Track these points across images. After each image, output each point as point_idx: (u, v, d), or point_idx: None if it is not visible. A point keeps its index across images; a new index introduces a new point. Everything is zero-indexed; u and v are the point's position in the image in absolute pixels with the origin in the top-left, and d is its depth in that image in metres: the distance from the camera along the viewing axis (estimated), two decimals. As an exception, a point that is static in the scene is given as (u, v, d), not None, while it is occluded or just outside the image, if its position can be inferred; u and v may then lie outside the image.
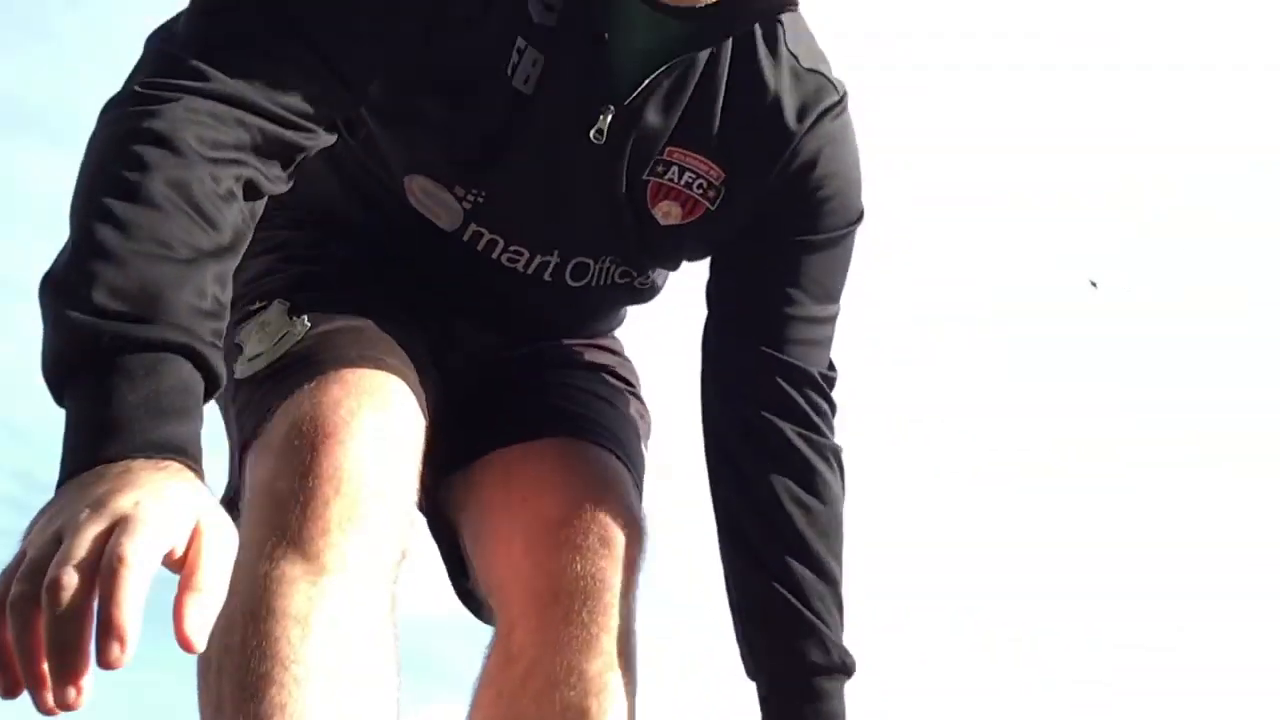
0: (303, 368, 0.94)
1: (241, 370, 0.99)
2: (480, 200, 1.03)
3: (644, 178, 1.03)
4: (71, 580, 0.60)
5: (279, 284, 1.03)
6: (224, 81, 0.81)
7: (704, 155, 1.03)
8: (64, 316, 0.71)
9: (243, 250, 0.80)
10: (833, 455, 1.10)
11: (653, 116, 0.99)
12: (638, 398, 1.25)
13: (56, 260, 0.75)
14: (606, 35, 0.95)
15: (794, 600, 1.05)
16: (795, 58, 1.03)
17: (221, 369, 0.75)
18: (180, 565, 0.64)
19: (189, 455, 0.69)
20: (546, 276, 1.09)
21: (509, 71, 0.95)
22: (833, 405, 1.11)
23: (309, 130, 0.87)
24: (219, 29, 0.84)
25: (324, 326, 0.98)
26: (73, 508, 0.63)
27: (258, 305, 1.02)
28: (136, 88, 0.80)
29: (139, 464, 0.66)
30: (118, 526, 0.61)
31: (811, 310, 1.09)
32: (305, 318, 0.99)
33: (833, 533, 1.08)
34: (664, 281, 1.21)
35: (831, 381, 1.11)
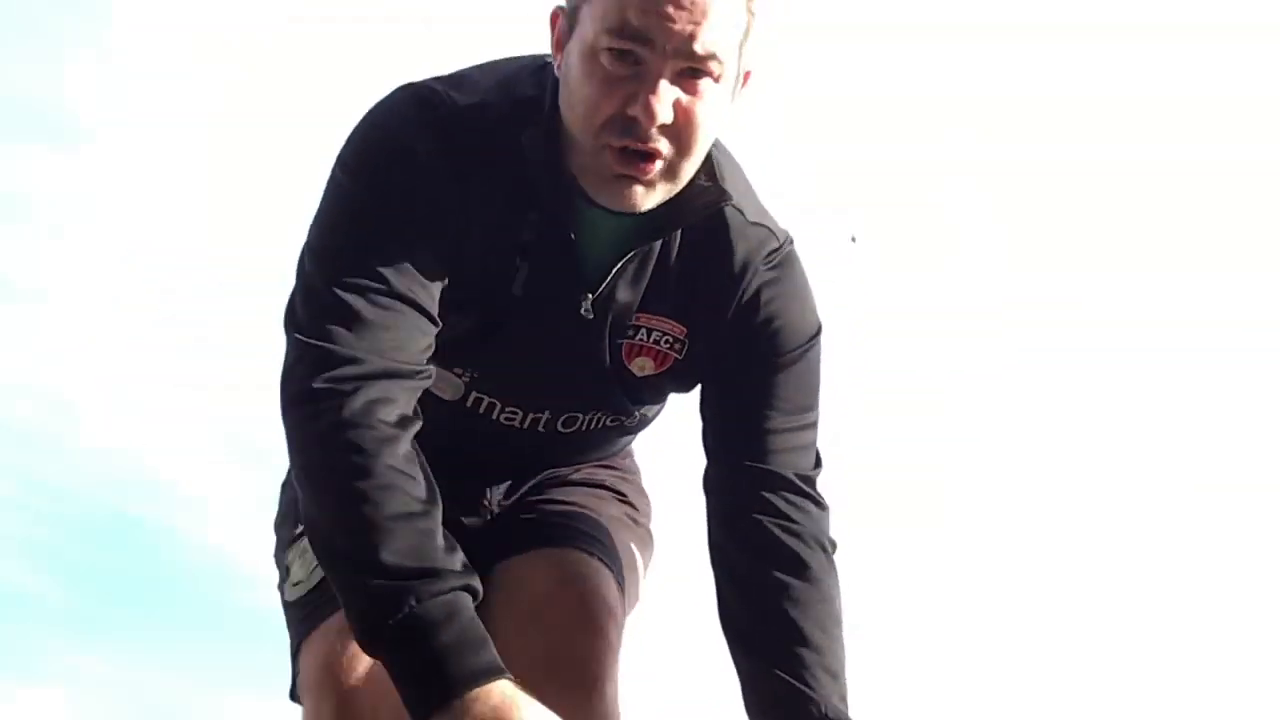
0: (328, 603, 1.15)
1: (289, 594, 1.28)
2: (476, 376, 1.24)
3: (618, 341, 1.22)
4: None
5: None
6: (374, 363, 1.05)
7: (666, 316, 1.23)
8: (364, 585, 0.96)
9: None
10: (815, 542, 1.23)
11: (622, 294, 1.20)
12: (626, 501, 1.46)
13: (318, 531, 1.03)
14: (573, 236, 1.16)
15: (784, 675, 1.17)
16: (741, 213, 1.22)
17: (478, 586, 0.99)
18: None
19: (503, 670, 0.95)
20: (540, 429, 1.29)
21: (509, 284, 1.18)
22: (817, 500, 1.26)
23: (428, 370, 1.11)
24: (343, 316, 1.07)
25: None
26: None
27: (299, 531, 1.25)
28: (316, 385, 1.04)
29: (478, 692, 0.92)
30: None
31: (785, 423, 1.25)
32: None
33: (820, 610, 1.21)
34: (655, 414, 1.38)
35: (812, 480, 1.26)
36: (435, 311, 1.13)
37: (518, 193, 1.17)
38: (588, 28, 1.10)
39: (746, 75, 1.16)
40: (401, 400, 1.06)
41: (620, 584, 1.35)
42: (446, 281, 1.15)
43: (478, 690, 0.93)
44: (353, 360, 1.05)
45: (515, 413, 1.28)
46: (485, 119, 1.16)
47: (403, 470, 1.01)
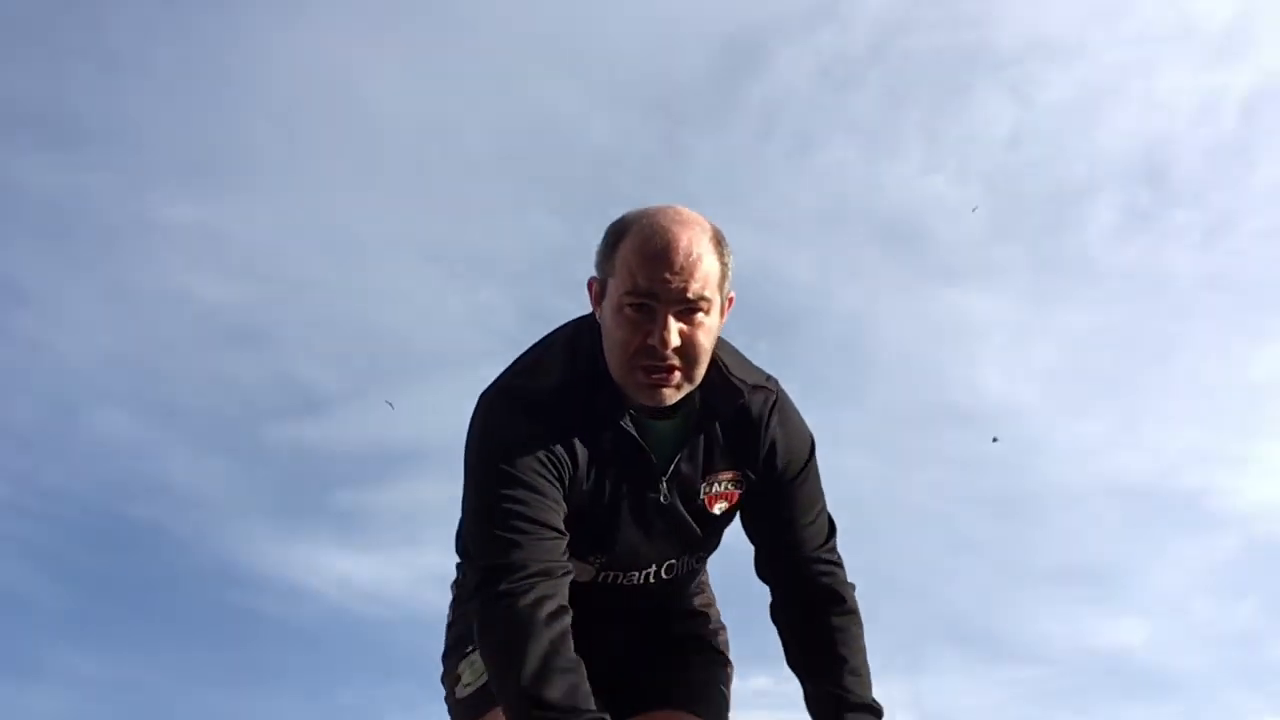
0: (491, 700, 1.66)
1: (460, 693, 1.79)
2: (603, 560, 1.78)
3: (700, 498, 1.78)
4: None
5: None
6: (534, 567, 1.59)
7: (724, 469, 1.78)
8: (529, 714, 1.51)
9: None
10: (841, 585, 1.84)
11: (685, 469, 1.76)
12: (716, 649, 2.01)
13: (504, 685, 1.56)
14: (646, 448, 1.73)
15: (831, 686, 1.78)
16: (745, 383, 1.76)
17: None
18: None
19: None
20: (651, 580, 1.83)
21: (604, 492, 1.73)
22: (837, 562, 1.86)
23: (569, 566, 1.65)
24: (506, 544, 1.61)
25: None
26: None
27: (470, 649, 1.78)
28: (500, 589, 1.58)
29: None
30: None
31: (809, 517, 1.83)
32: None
33: (850, 635, 1.80)
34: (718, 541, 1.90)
35: (833, 548, 1.85)
36: (562, 528, 1.66)
37: (587, 420, 1.71)
38: (614, 292, 1.64)
39: (730, 300, 1.70)
40: (558, 594, 1.60)
41: None
42: (565, 505, 1.68)
43: None
44: (521, 567, 1.59)
45: (633, 575, 1.81)
46: (557, 392, 1.70)
47: (562, 642, 1.55)
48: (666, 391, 1.66)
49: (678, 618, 2.00)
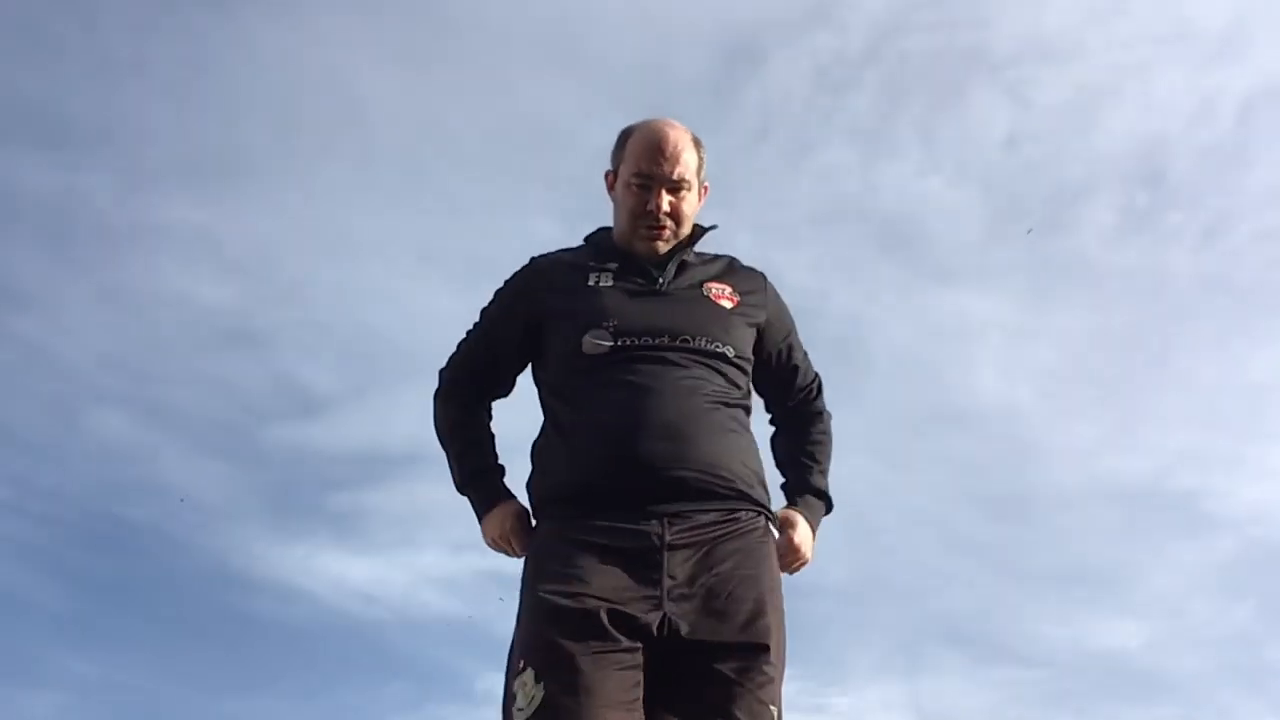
0: None
1: (516, 717, 1.87)
2: (614, 324, 2.13)
3: (703, 290, 2.23)
4: None
5: (530, 649, 1.92)
6: (459, 368, 2.34)
7: (718, 282, 2.26)
8: (450, 463, 2.29)
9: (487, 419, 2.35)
10: (818, 401, 2.39)
11: (681, 275, 2.25)
12: (771, 665, 1.99)
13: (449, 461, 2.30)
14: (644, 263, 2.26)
15: (800, 455, 2.34)
16: (714, 227, 2.34)
17: (496, 466, 2.29)
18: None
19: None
20: (669, 346, 2.12)
21: (617, 289, 2.21)
22: (819, 384, 2.41)
23: (502, 368, 2.30)
24: (461, 349, 2.34)
25: (550, 690, 1.86)
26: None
27: (522, 665, 1.90)
28: (441, 386, 2.35)
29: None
30: None
31: (799, 349, 2.38)
32: (543, 685, 1.87)
33: (822, 434, 2.37)
34: (746, 384, 2.23)
35: (808, 361, 2.39)
36: (510, 344, 2.27)
37: (597, 255, 2.27)
38: (623, 175, 2.26)
39: (705, 190, 2.31)
40: (478, 386, 2.32)
41: None
42: (550, 307, 2.21)
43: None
44: (447, 375, 2.35)
45: (647, 339, 2.12)
46: (568, 248, 2.34)
47: (460, 425, 2.31)
48: (660, 244, 2.24)
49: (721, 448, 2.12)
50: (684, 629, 1.91)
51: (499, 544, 2.18)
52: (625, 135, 2.29)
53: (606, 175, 2.32)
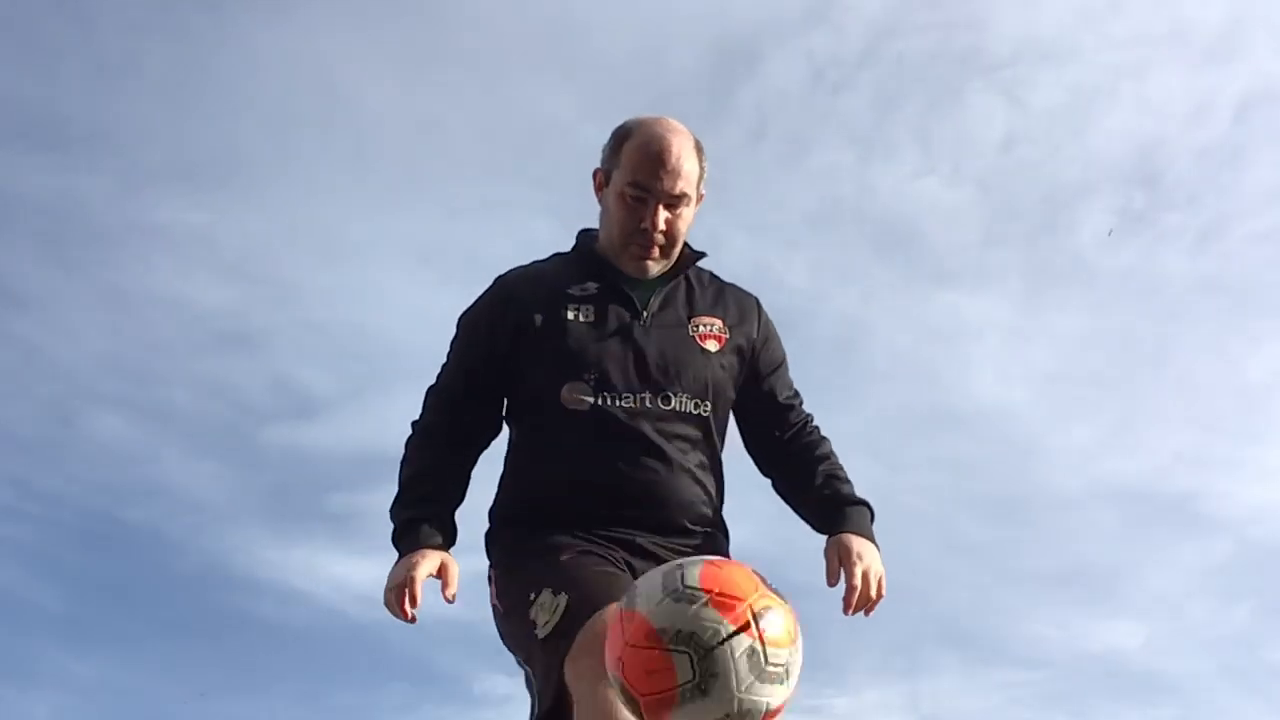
0: (575, 625, 1.73)
1: (541, 633, 1.77)
2: (595, 378, 2.00)
3: (689, 330, 2.09)
4: None
5: (544, 575, 1.84)
6: (436, 411, 2.14)
7: (707, 315, 2.13)
8: (397, 503, 2.04)
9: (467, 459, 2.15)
10: (816, 428, 2.21)
11: (668, 309, 2.11)
12: None
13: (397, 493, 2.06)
14: (627, 290, 2.10)
15: (822, 487, 2.11)
16: (704, 254, 2.20)
17: (447, 523, 2.03)
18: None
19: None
20: (649, 406, 2.01)
21: (591, 319, 2.05)
22: (807, 415, 2.22)
23: (475, 415, 2.12)
24: (439, 381, 2.16)
25: (572, 596, 1.77)
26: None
27: (533, 595, 1.82)
28: (419, 422, 2.15)
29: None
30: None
31: (788, 388, 2.23)
32: (563, 594, 1.78)
33: (832, 454, 2.16)
34: (725, 436, 2.13)
35: (800, 401, 2.23)
36: (489, 373, 2.09)
37: (577, 274, 2.10)
38: (617, 182, 2.07)
39: (701, 197, 2.13)
40: (461, 420, 2.12)
41: None
42: (520, 347, 2.06)
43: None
44: (427, 414, 2.14)
45: (628, 397, 2.00)
46: (533, 263, 2.19)
47: (431, 468, 2.07)
48: (649, 264, 2.10)
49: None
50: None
51: (411, 588, 1.88)
52: (622, 136, 2.10)
53: (595, 174, 2.14)
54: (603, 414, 1.98)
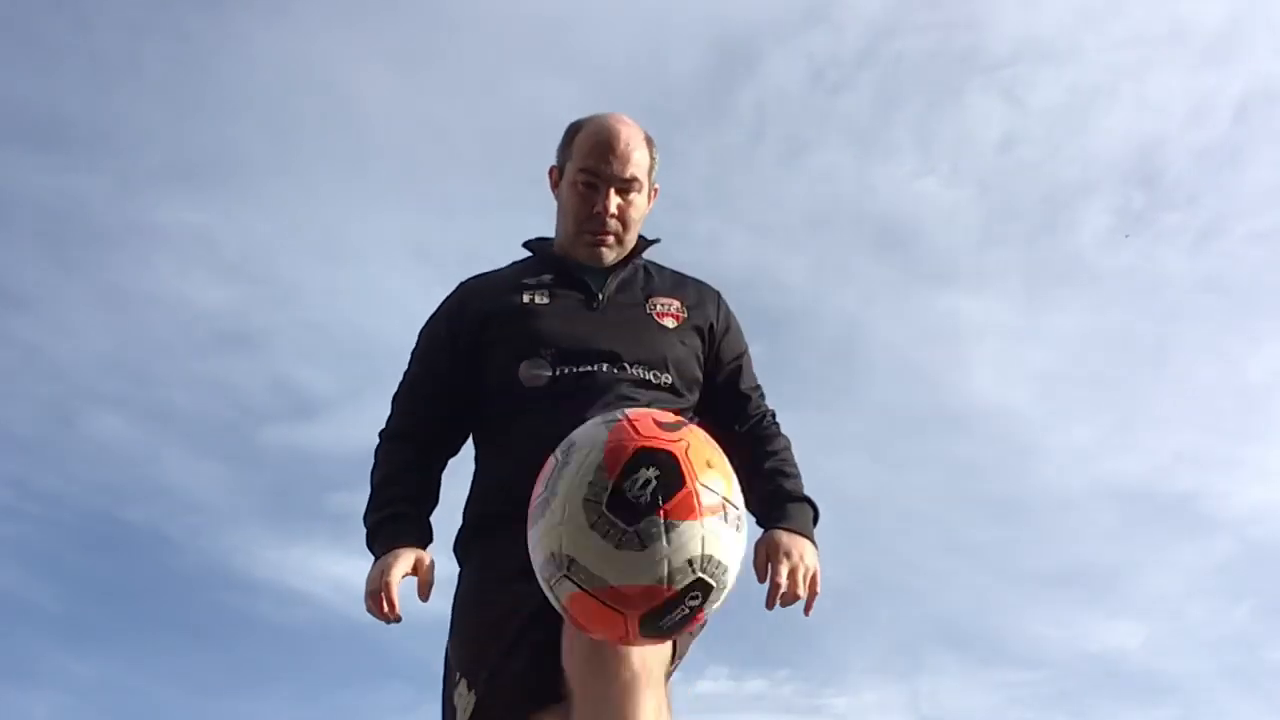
0: None
1: None
2: (552, 352, 1.99)
3: (647, 309, 2.10)
4: None
5: (469, 660, 1.86)
6: (402, 418, 2.13)
7: (666, 297, 2.13)
8: (370, 508, 2.02)
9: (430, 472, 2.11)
10: (775, 424, 2.17)
11: (623, 291, 2.12)
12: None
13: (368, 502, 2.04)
14: (582, 276, 2.12)
15: (771, 480, 2.05)
16: (675, 270, 2.24)
17: (419, 528, 2.00)
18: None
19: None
20: (608, 374, 1.98)
21: (548, 303, 2.08)
22: (766, 409, 2.19)
23: (442, 415, 2.09)
24: (402, 387, 2.17)
25: (480, 699, 1.80)
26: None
27: (458, 677, 1.86)
28: (386, 429, 2.14)
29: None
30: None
31: (748, 383, 2.20)
32: (473, 694, 1.81)
33: (785, 449, 2.13)
34: (689, 413, 2.03)
35: (761, 395, 2.21)
36: (452, 373, 2.08)
37: (534, 269, 2.13)
38: (569, 173, 2.13)
39: (655, 190, 2.19)
40: (424, 435, 2.10)
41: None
42: (479, 340, 2.06)
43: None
44: (394, 419, 2.14)
45: (586, 368, 1.98)
46: (492, 270, 2.21)
47: (401, 470, 2.05)
48: (605, 250, 2.13)
49: None
50: None
51: (387, 592, 1.84)
52: (574, 130, 2.15)
53: (550, 171, 2.19)
54: (560, 385, 1.96)
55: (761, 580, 1.90)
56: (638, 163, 2.10)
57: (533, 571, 1.59)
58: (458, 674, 1.86)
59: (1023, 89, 8.22)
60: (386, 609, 1.84)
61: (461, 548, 2.03)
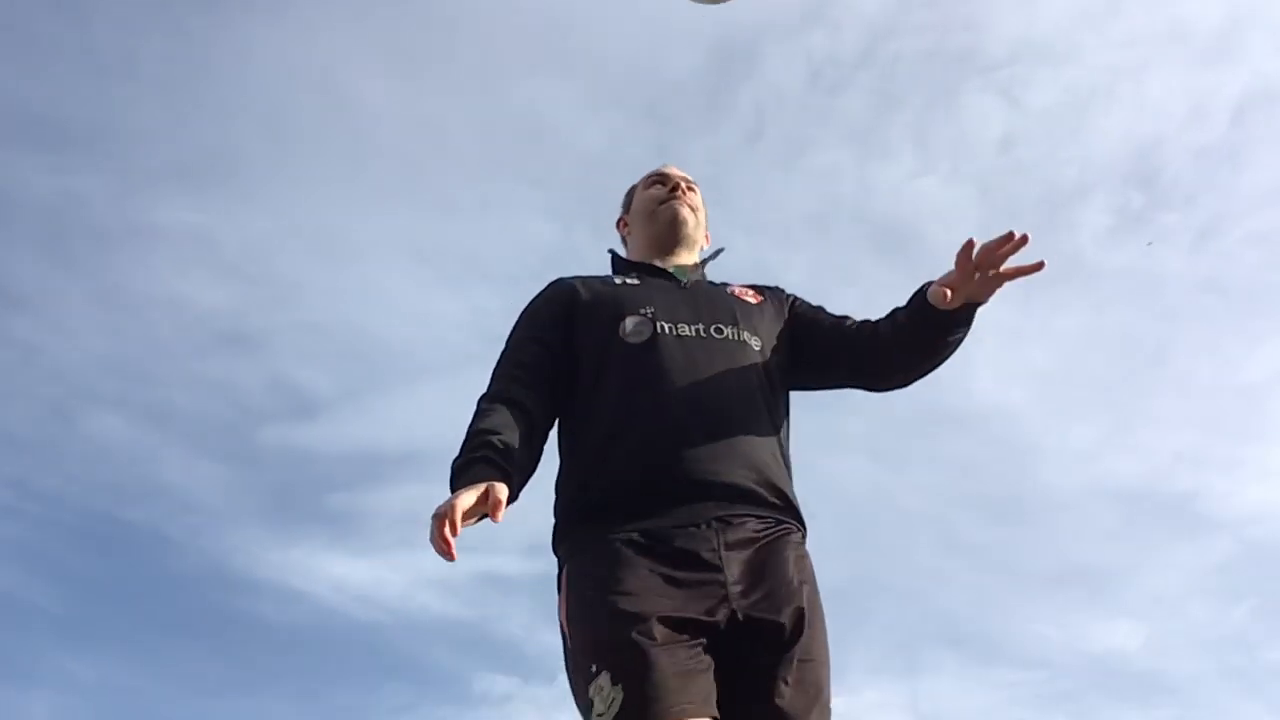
0: None
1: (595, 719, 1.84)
2: (651, 311, 2.17)
3: (728, 290, 2.32)
4: None
5: (609, 653, 1.87)
6: (511, 370, 2.16)
7: (744, 287, 2.35)
8: (465, 444, 2.01)
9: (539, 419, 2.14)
10: (871, 323, 2.27)
11: (704, 281, 2.35)
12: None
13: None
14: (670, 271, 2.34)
15: (893, 310, 2.23)
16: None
17: (507, 468, 1.98)
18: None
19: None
20: (704, 335, 2.16)
21: (644, 288, 2.27)
22: (858, 320, 2.30)
23: (548, 370, 2.16)
24: (503, 357, 2.21)
25: (628, 696, 1.81)
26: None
27: (594, 669, 1.87)
28: (485, 394, 2.13)
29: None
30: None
31: (830, 315, 2.33)
32: (621, 687, 1.82)
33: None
34: (777, 377, 2.21)
35: (850, 319, 2.33)
36: (556, 341, 2.19)
37: (618, 269, 2.36)
38: (637, 197, 2.46)
39: (707, 237, 2.45)
40: (531, 381, 2.14)
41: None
42: (583, 303, 2.22)
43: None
44: (494, 383, 2.15)
45: (683, 326, 2.16)
46: (585, 273, 2.33)
47: (495, 424, 2.03)
48: (683, 211, 2.37)
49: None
50: (746, 616, 1.91)
51: (451, 515, 1.82)
52: (634, 186, 2.48)
53: (619, 222, 2.49)
54: (662, 339, 2.13)
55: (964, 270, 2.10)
56: (692, 179, 2.43)
57: (667, 566, 1.92)
58: (594, 664, 1.87)
59: (1021, 89, 8.26)
60: (448, 529, 1.81)
61: (567, 538, 2.07)
